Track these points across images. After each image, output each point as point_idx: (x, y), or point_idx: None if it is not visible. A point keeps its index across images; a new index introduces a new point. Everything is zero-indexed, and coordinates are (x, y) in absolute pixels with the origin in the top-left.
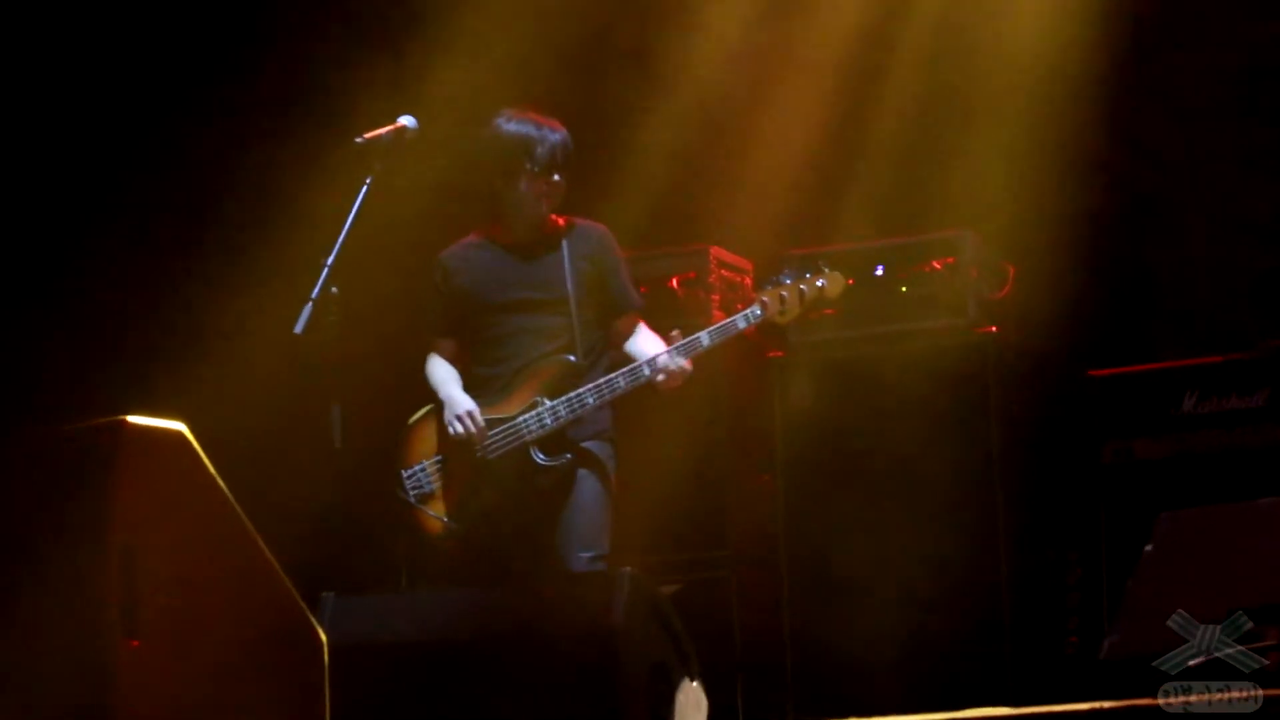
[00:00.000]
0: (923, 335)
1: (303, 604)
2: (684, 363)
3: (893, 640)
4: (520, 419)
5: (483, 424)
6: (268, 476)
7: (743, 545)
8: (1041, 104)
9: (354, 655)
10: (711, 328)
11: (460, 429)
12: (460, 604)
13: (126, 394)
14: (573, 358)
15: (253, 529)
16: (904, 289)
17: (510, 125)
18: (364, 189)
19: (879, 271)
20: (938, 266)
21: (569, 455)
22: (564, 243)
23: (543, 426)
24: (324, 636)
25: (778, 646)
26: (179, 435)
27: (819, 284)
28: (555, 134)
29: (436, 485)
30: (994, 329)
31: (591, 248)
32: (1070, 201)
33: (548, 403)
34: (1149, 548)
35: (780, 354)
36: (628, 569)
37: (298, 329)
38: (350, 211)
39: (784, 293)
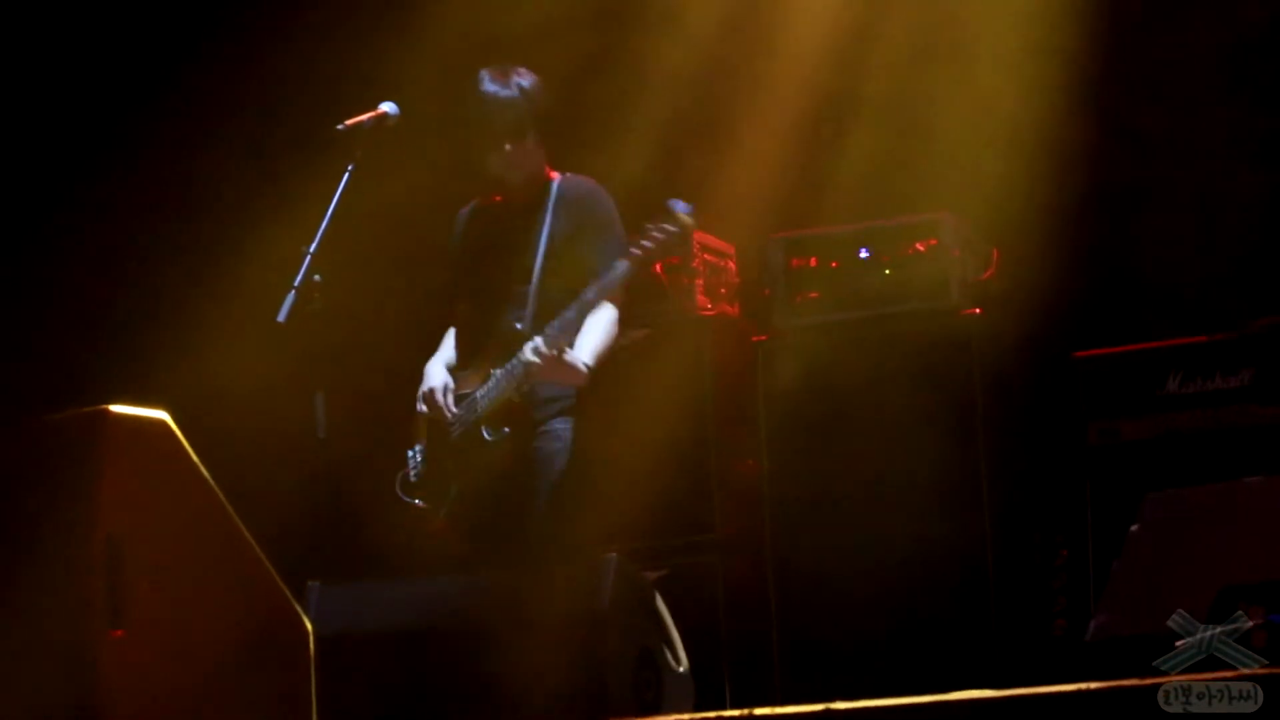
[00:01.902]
0: (906, 318)
1: (288, 593)
2: (546, 354)
3: (879, 623)
4: (476, 394)
5: (441, 401)
6: (251, 465)
7: (728, 530)
8: (1024, 85)
9: (340, 644)
10: (580, 294)
11: (421, 407)
12: (446, 591)
13: (109, 383)
14: (519, 325)
15: (237, 518)
16: (887, 272)
17: (469, 94)
18: (345, 176)
19: (862, 254)
20: (921, 249)
21: (506, 429)
22: (549, 202)
23: (489, 401)
24: (309, 625)
25: (764, 631)
26: (162, 424)
27: (669, 228)
28: (503, 98)
29: (423, 468)
30: (978, 311)
31: (573, 205)
32: (1053, 182)
33: (495, 375)
34: (1135, 528)
35: (765, 337)
36: (613, 555)
37: (280, 317)
38: (332, 199)
39: (645, 242)
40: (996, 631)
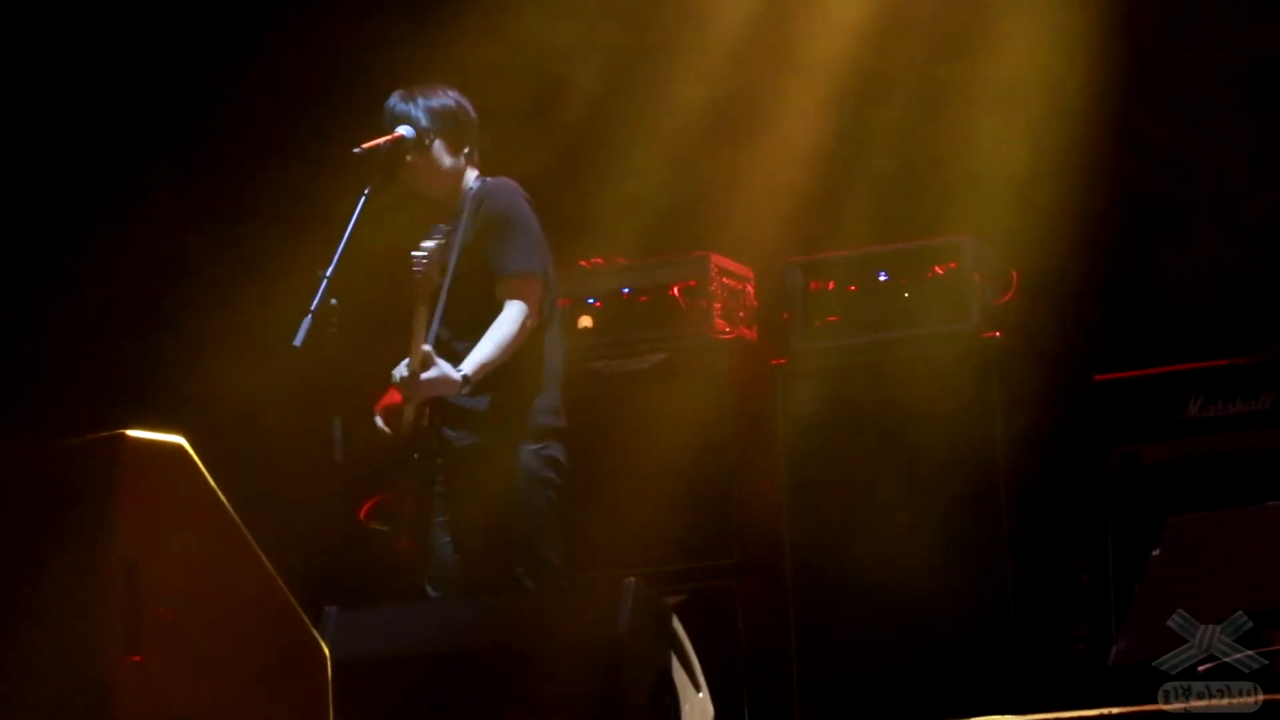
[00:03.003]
0: (926, 341)
1: (305, 618)
2: (408, 375)
3: (899, 648)
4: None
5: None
6: (269, 490)
7: (747, 554)
8: (1044, 106)
9: (357, 669)
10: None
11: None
12: (463, 615)
13: (126, 407)
14: (427, 347)
15: (254, 542)
16: (907, 295)
17: (382, 110)
18: (362, 200)
19: (881, 278)
20: (940, 272)
21: (415, 455)
22: (465, 210)
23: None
24: (327, 650)
25: (783, 655)
26: (179, 448)
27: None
28: (399, 112)
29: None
30: (998, 334)
31: (480, 209)
32: (1073, 205)
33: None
34: (1156, 553)
35: (784, 361)
36: (631, 579)
37: (297, 341)
38: (349, 223)
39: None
40: (1017, 656)
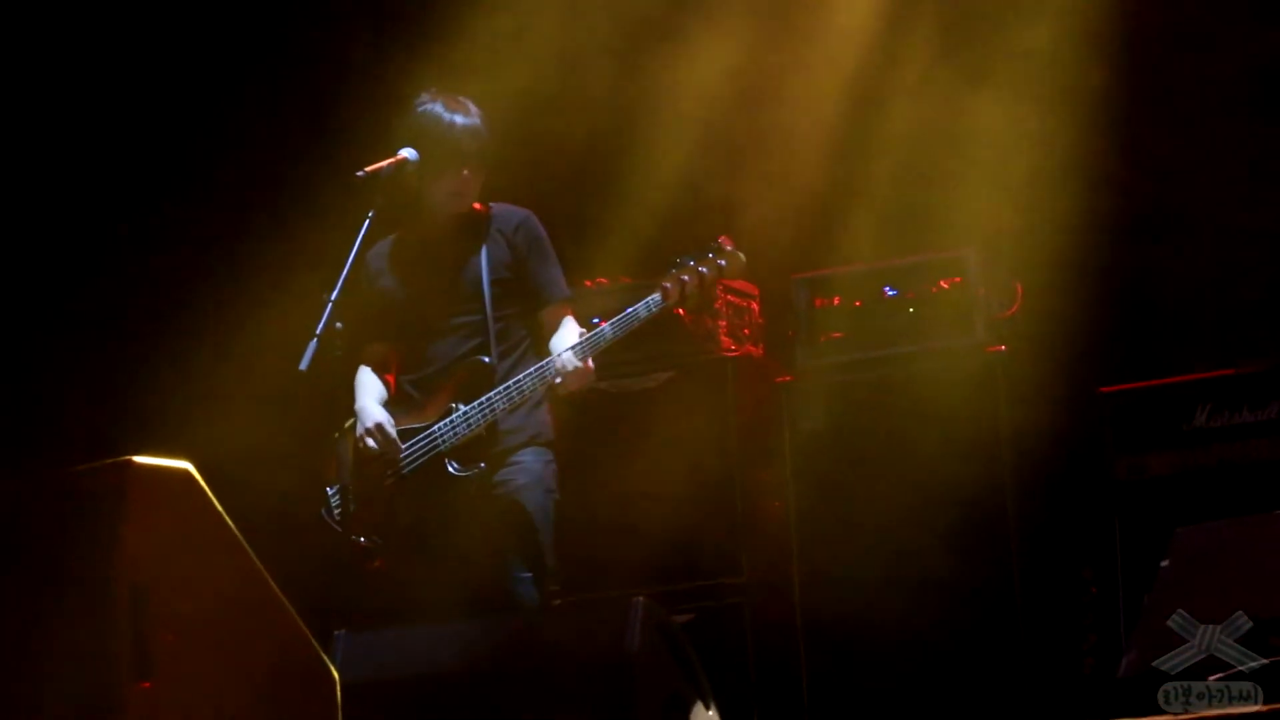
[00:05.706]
0: (931, 355)
1: (314, 641)
2: (579, 363)
3: (909, 663)
4: (435, 428)
5: (394, 436)
6: (275, 513)
7: (756, 572)
8: (1046, 118)
9: (367, 692)
10: (614, 319)
11: (371, 444)
12: (473, 637)
13: (133, 433)
14: (486, 359)
15: (262, 567)
16: (912, 309)
17: (429, 123)
18: (366, 223)
19: (886, 292)
20: (945, 286)
21: (482, 465)
22: (484, 232)
23: (456, 435)
24: (336, 674)
25: (793, 672)
26: (186, 474)
27: (720, 263)
28: (473, 126)
29: (357, 504)
30: (1003, 347)
31: (512, 234)
32: (1077, 216)
33: (462, 409)
34: (1165, 563)
35: (789, 378)
36: (640, 598)
37: (303, 365)
38: (353, 246)
39: (685, 277)
40: (1026, 670)
